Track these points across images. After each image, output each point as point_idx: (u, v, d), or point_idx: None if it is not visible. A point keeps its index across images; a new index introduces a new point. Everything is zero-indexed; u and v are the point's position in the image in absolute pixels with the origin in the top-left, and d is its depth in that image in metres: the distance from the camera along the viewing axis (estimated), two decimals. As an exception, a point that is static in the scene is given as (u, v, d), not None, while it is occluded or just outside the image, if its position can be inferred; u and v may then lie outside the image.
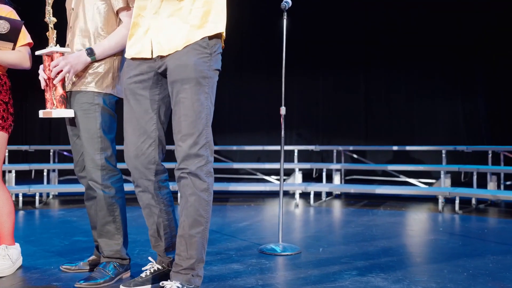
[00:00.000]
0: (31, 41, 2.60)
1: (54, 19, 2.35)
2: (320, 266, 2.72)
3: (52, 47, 2.32)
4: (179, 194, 2.19)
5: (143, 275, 2.24)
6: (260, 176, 6.88)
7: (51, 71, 2.28)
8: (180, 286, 2.00)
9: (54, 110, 2.32)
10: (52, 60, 2.30)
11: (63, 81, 2.31)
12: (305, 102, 7.67)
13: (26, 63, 2.56)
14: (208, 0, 2.04)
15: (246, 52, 7.37)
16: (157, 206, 2.18)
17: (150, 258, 2.33)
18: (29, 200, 5.40)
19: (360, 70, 7.48)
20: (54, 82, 2.29)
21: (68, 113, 2.35)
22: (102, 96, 2.39)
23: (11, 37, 2.48)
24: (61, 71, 2.27)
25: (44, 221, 4.38)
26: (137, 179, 2.16)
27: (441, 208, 4.90)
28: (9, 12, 2.55)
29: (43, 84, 2.36)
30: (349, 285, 2.36)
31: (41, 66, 2.38)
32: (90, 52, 2.33)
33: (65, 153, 6.68)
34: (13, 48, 2.52)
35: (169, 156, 2.46)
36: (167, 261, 2.26)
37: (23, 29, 2.55)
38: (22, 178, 6.17)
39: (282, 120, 3.28)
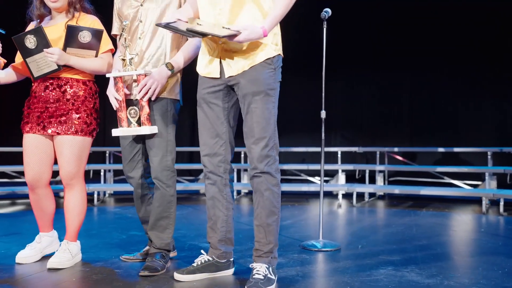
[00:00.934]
0: (112, 47, 2.79)
1: (129, 43, 2.57)
2: (357, 261, 2.88)
3: (132, 70, 2.54)
4: (253, 193, 2.44)
5: (194, 264, 2.50)
6: (304, 177, 7.04)
7: (128, 91, 2.58)
8: (267, 266, 2.34)
9: (143, 128, 2.56)
10: (121, 81, 2.57)
11: (148, 99, 2.55)
12: (349, 103, 7.76)
13: (108, 69, 2.74)
14: (272, 31, 2.32)
15: (290, 55, 7.54)
16: (220, 201, 2.48)
17: (202, 251, 2.58)
18: (88, 198, 5.80)
19: (405, 71, 7.49)
20: (144, 99, 2.54)
21: (154, 129, 2.58)
22: (174, 103, 2.67)
23: (93, 45, 2.69)
24: (147, 88, 2.53)
25: (102, 217, 4.75)
26: (209, 172, 2.47)
27: (485, 210, 4.90)
28: (93, 21, 2.75)
29: (116, 104, 2.60)
30: (383, 278, 2.52)
31: (110, 87, 2.63)
32: (170, 66, 2.57)
33: (119, 154, 7.09)
34: (96, 55, 2.72)
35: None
36: (217, 253, 2.51)
37: (105, 36, 2.75)
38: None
39: (322, 124, 3.45)
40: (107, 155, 6.79)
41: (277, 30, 2.40)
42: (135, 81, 2.58)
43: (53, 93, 2.70)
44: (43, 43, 2.61)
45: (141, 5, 2.64)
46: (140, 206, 2.84)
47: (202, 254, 2.55)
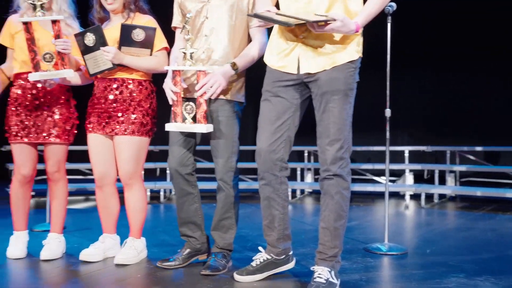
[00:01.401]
0: (167, 45, 2.79)
1: (192, 37, 2.49)
2: (426, 267, 2.74)
3: (194, 66, 2.47)
4: (321, 195, 2.39)
5: (253, 264, 2.48)
6: (370, 176, 6.85)
7: (183, 86, 2.51)
8: (329, 270, 2.28)
9: (198, 125, 2.47)
10: (179, 75, 2.50)
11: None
12: (417, 101, 7.45)
13: (163, 66, 2.73)
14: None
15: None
16: (276, 200, 2.41)
17: (260, 248, 2.54)
18: (154, 196, 5.98)
19: (474, 67, 7.08)
20: (205, 98, 2.45)
21: (210, 128, 2.51)
22: (239, 105, 2.65)
23: (147, 43, 2.73)
24: (208, 87, 2.45)
25: (168, 214, 4.86)
26: (263, 172, 2.39)
27: None
28: (148, 20, 2.79)
29: (174, 97, 2.51)
30: (454, 287, 2.37)
31: (167, 81, 2.54)
32: (234, 66, 2.51)
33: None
34: (151, 54, 2.75)
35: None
36: (275, 251, 2.47)
37: (160, 34, 2.78)
38: (149, 175, 6.82)
39: (387, 122, 3.31)
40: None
41: (361, 30, 2.28)
42: (191, 77, 2.54)
43: (111, 94, 2.77)
44: (101, 41, 2.69)
45: (208, 1, 2.58)
46: (181, 206, 2.75)
47: (260, 251, 2.52)
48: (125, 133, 2.74)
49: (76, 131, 3.01)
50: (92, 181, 3.07)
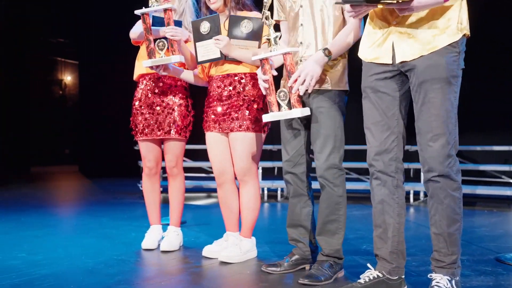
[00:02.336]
0: None
1: (273, 21, 2.42)
2: None
3: (279, 48, 2.36)
4: (428, 198, 2.16)
5: (361, 281, 2.20)
6: (507, 179, 6.17)
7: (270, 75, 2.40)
8: (449, 278, 2.05)
9: (294, 110, 2.34)
10: (268, 63, 2.39)
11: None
12: None
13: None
14: (457, 2, 1.99)
15: (481, 37, 6.69)
16: (391, 205, 2.17)
17: (368, 264, 2.26)
18: (272, 194, 6.03)
19: None
20: (300, 93, 2.33)
21: (306, 111, 2.36)
22: (341, 94, 2.47)
23: (255, 35, 2.70)
24: (301, 82, 2.32)
25: (284, 213, 4.85)
26: (377, 172, 2.18)
27: None
28: (254, 13, 2.79)
29: (266, 87, 2.42)
30: None
31: (258, 71, 2.46)
32: (327, 52, 2.35)
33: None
34: (259, 46, 2.72)
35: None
36: (388, 268, 2.18)
37: (266, 26, 2.70)
38: (267, 174, 6.91)
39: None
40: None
41: (464, 3, 2.01)
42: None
43: (225, 91, 2.79)
44: (215, 30, 2.72)
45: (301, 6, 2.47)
46: (294, 207, 2.60)
47: (370, 269, 2.23)
48: (240, 129, 2.75)
49: (191, 128, 3.14)
50: (213, 178, 3.15)
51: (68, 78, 13.74)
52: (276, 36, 2.39)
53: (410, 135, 2.21)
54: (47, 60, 12.97)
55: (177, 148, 3.11)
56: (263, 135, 2.84)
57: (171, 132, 3.06)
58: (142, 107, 3.10)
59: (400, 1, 1.90)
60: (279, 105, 2.42)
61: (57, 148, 13.08)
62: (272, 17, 2.45)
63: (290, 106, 2.40)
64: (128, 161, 8.00)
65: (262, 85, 2.44)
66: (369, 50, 2.16)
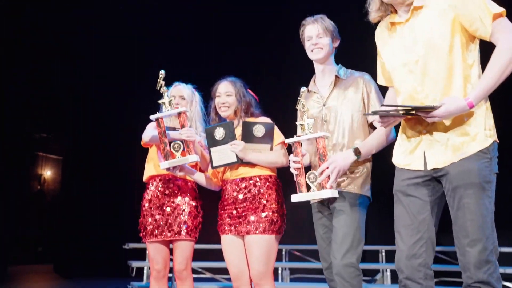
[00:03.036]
0: (284, 139, 2.83)
1: (307, 108, 2.51)
2: None
3: (308, 134, 2.44)
4: None
5: None
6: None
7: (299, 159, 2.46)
8: None
9: (324, 191, 2.37)
10: (300, 146, 2.47)
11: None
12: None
13: (283, 160, 2.83)
14: (481, 109, 2.07)
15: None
16: None
17: None
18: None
19: None
20: (327, 185, 2.37)
21: (335, 193, 2.40)
22: (363, 198, 2.55)
23: (267, 139, 2.84)
24: (328, 174, 2.37)
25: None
26: (405, 279, 2.13)
27: None
28: (264, 119, 2.95)
29: (297, 167, 2.46)
30: None
31: (291, 155, 2.51)
32: (357, 152, 2.46)
33: (295, 252, 7.05)
34: (271, 149, 2.84)
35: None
36: None
37: (277, 129, 2.90)
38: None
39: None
40: (283, 253, 6.81)
41: (489, 110, 2.10)
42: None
43: (241, 194, 2.82)
44: (230, 136, 2.81)
45: (324, 104, 2.66)
46: None
47: None
48: (256, 232, 2.74)
49: (200, 228, 3.13)
50: (219, 281, 3.06)
51: (48, 173, 13.55)
52: (309, 123, 2.47)
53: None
54: (27, 155, 12.85)
55: (187, 249, 3.07)
56: (279, 237, 2.82)
57: (182, 233, 3.03)
58: (152, 209, 3.10)
59: (425, 130, 2.04)
60: (307, 186, 2.45)
61: (29, 245, 12.52)
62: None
63: (320, 187, 2.42)
64: (114, 260, 7.68)
65: (293, 166, 2.47)
66: (401, 157, 2.23)
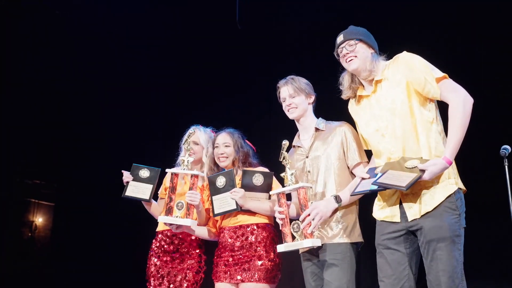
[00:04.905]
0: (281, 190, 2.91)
1: (289, 161, 2.64)
2: None
3: (294, 184, 2.58)
4: None
5: None
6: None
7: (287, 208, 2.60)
8: None
9: (305, 241, 2.46)
10: (284, 197, 2.61)
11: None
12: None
13: (272, 212, 2.89)
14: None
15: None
16: None
17: None
18: None
19: None
20: (308, 231, 2.46)
21: (316, 242, 2.50)
22: (354, 247, 2.65)
23: (265, 188, 2.91)
24: (310, 219, 2.49)
25: None
26: None
27: None
28: (261, 168, 3.05)
29: (281, 218, 2.58)
30: None
31: (276, 204, 2.64)
32: (338, 199, 2.59)
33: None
34: (269, 198, 2.90)
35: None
36: None
37: (274, 179, 2.99)
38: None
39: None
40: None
41: (454, 162, 2.32)
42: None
43: (237, 241, 2.90)
44: (231, 184, 2.93)
45: (307, 156, 2.80)
46: None
47: None
48: (251, 280, 2.80)
49: (200, 284, 3.16)
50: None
51: (39, 220, 13.45)
52: (292, 173, 2.61)
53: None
54: (20, 201, 12.78)
55: None
56: (274, 286, 2.88)
57: (183, 286, 3.08)
58: (157, 260, 3.15)
59: (407, 186, 2.19)
60: (292, 236, 2.55)
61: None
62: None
63: (303, 237, 2.51)
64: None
65: (278, 216, 2.60)
66: (381, 210, 2.44)
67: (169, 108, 6.40)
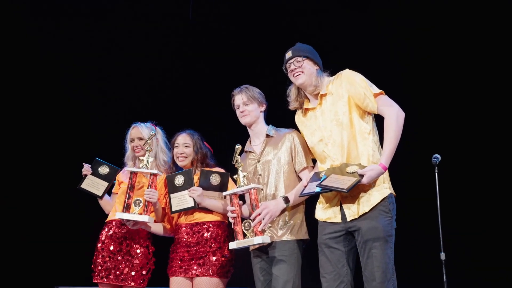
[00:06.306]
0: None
1: (241, 163, 2.81)
2: None
3: (246, 185, 2.75)
4: None
5: None
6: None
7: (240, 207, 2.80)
8: None
9: (255, 238, 2.65)
10: (236, 198, 2.79)
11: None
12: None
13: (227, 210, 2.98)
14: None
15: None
16: None
17: None
18: None
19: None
20: (259, 229, 2.66)
21: (266, 239, 2.68)
22: (300, 244, 2.87)
23: (221, 187, 3.08)
24: (261, 218, 2.68)
25: None
26: None
27: None
28: (217, 169, 3.19)
29: (233, 217, 2.76)
30: None
31: (229, 206, 2.81)
32: (286, 200, 2.80)
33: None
34: (224, 197, 3.01)
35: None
36: None
37: (230, 179, 3.16)
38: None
39: (443, 267, 3.40)
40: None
41: (387, 179, 2.64)
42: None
43: (194, 238, 3.05)
44: (189, 182, 3.08)
45: (258, 160, 3.00)
46: None
47: None
48: (206, 274, 2.96)
49: (150, 276, 3.24)
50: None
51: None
52: (244, 175, 2.83)
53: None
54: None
55: None
56: (226, 281, 3.05)
57: (129, 279, 3.14)
58: (103, 250, 3.20)
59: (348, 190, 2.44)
60: (243, 234, 2.76)
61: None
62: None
63: (253, 235, 2.72)
64: None
65: (230, 215, 2.80)
66: (323, 212, 2.71)
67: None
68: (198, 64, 5.65)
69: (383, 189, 2.59)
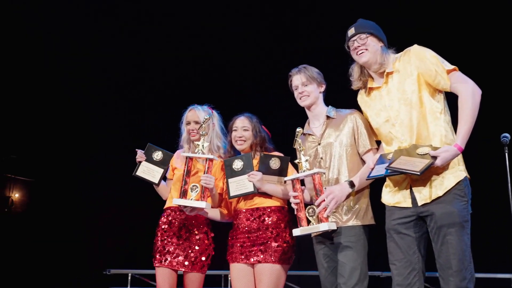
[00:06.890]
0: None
1: (303, 147, 2.71)
2: None
3: (308, 170, 2.66)
4: None
5: None
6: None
7: (301, 195, 2.68)
8: None
9: (321, 225, 2.56)
10: (298, 183, 2.69)
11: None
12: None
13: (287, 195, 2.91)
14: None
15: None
16: None
17: None
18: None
19: None
20: (324, 215, 2.57)
21: (332, 226, 2.59)
22: (367, 229, 2.76)
23: (281, 171, 3.00)
24: (326, 204, 2.58)
25: None
26: None
27: None
28: (276, 153, 3.10)
29: (296, 202, 2.67)
30: None
31: (291, 191, 2.71)
32: (352, 184, 2.69)
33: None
34: (284, 182, 2.93)
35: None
36: None
37: (289, 164, 3.06)
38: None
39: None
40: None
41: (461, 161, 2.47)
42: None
43: (254, 223, 2.96)
44: (248, 167, 2.98)
45: (319, 143, 2.87)
46: None
47: None
48: (268, 261, 2.87)
49: (210, 262, 3.18)
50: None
51: (16, 195, 13.19)
52: (307, 159, 2.70)
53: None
54: (-5, 177, 12.45)
55: (196, 281, 3.13)
56: (288, 267, 2.96)
57: (189, 265, 3.09)
58: (164, 235, 3.16)
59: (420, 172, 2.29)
60: (307, 220, 2.65)
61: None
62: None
63: (318, 221, 2.62)
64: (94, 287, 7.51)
65: (292, 201, 2.70)
66: (390, 195, 2.56)
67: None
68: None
69: (458, 171, 2.43)
